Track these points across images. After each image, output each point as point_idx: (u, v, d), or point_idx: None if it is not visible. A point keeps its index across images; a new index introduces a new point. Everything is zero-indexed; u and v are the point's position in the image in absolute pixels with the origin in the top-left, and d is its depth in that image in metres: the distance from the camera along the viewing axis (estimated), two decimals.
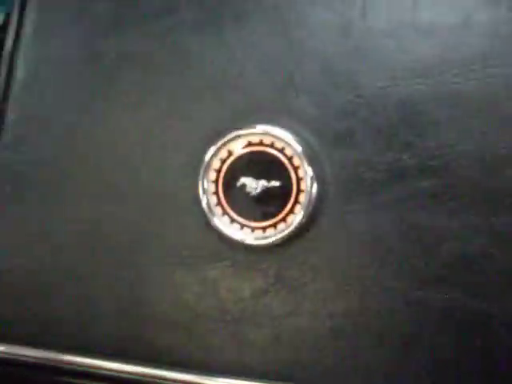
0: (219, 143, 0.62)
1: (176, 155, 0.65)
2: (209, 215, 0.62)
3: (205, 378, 0.60)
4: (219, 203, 0.61)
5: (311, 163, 0.59)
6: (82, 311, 0.68)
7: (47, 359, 0.67)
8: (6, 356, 0.69)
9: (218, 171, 0.62)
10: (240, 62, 0.64)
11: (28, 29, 0.76)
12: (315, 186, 0.58)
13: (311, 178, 0.58)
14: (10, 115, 0.74)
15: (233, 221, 0.61)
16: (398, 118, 0.57)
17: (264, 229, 0.60)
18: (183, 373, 0.62)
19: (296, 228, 0.59)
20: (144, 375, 0.63)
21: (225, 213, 0.61)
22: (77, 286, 0.68)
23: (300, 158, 0.59)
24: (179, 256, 0.64)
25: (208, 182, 0.62)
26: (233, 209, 0.61)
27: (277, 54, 0.63)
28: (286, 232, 0.59)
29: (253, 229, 0.60)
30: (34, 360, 0.68)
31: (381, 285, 0.56)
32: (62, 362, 0.66)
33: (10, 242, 0.72)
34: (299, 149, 0.59)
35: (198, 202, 0.62)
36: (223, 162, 0.62)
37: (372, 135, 0.58)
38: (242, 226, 0.60)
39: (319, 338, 0.59)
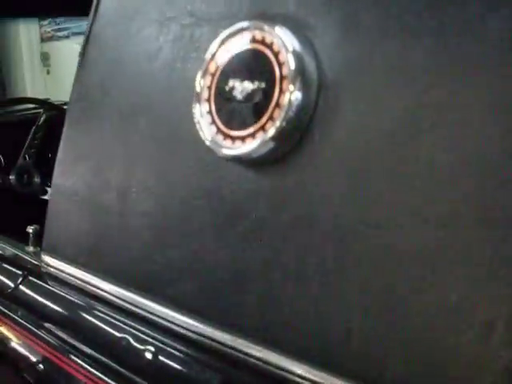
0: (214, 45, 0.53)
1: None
2: (198, 126, 0.53)
3: None
4: (210, 111, 0.53)
5: (298, 59, 0.47)
6: None
7: None
8: None
9: (213, 75, 0.53)
10: None
11: None
12: (299, 86, 0.47)
13: (294, 75, 0.47)
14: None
15: (218, 131, 0.52)
16: None
17: (243, 139, 0.50)
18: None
19: (274, 138, 0.48)
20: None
21: (213, 122, 0.52)
22: None
23: (286, 51, 0.48)
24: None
25: (204, 86, 0.54)
26: (220, 117, 0.52)
27: None
28: (263, 143, 0.48)
29: (233, 139, 0.50)
30: None
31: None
32: None
33: None
34: (289, 43, 0.48)
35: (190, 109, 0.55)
36: (218, 64, 0.53)
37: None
38: (225, 136, 0.51)
39: None
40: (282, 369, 0.48)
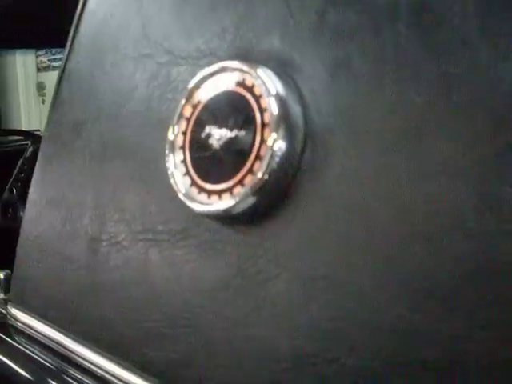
0: (190, 86, 0.48)
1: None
2: (171, 175, 0.48)
3: None
4: (184, 161, 0.47)
5: (282, 104, 0.42)
6: None
7: None
8: None
9: (188, 120, 0.47)
10: None
11: None
12: (283, 134, 0.41)
13: (277, 122, 0.41)
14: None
15: (192, 183, 0.46)
16: None
17: (219, 193, 0.44)
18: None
19: (255, 193, 0.42)
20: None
21: (187, 173, 0.47)
22: None
23: (268, 95, 0.42)
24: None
25: (178, 133, 0.48)
26: (195, 168, 0.46)
27: None
28: (242, 198, 0.43)
29: (209, 194, 0.45)
30: None
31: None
32: None
33: None
34: (271, 86, 0.42)
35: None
36: (194, 107, 0.47)
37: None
38: (200, 190, 0.45)
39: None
40: None
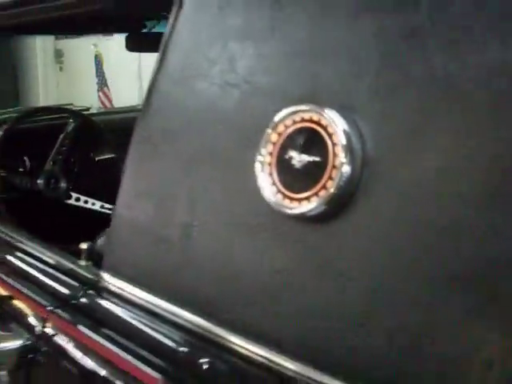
0: (276, 119, 0.65)
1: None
2: (260, 184, 0.66)
3: None
4: (271, 174, 0.65)
5: (348, 140, 0.59)
6: None
7: None
8: None
9: (274, 144, 0.65)
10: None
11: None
12: (348, 161, 0.59)
13: (345, 154, 0.59)
14: None
15: (278, 191, 0.64)
16: None
17: (299, 200, 0.62)
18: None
19: (327, 203, 0.60)
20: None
21: (273, 183, 0.65)
22: None
23: (339, 135, 0.60)
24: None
25: (266, 154, 0.66)
26: (281, 179, 0.64)
27: None
28: (317, 206, 0.60)
29: (291, 200, 0.63)
30: None
31: None
32: None
33: None
34: (340, 126, 0.60)
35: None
36: (279, 135, 0.65)
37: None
38: (284, 196, 0.63)
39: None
40: None
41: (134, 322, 0.82)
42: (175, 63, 0.85)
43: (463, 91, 0.55)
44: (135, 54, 3.91)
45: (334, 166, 0.60)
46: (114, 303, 0.87)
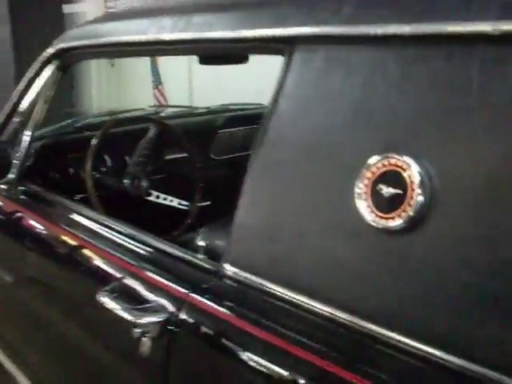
0: (370, 162, 0.95)
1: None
2: (357, 207, 0.96)
3: None
4: (365, 199, 0.95)
5: (422, 178, 0.89)
6: None
7: None
8: None
9: (369, 179, 0.95)
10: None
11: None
12: (422, 193, 0.89)
13: (420, 189, 0.89)
14: None
15: (371, 211, 0.94)
16: None
17: (387, 219, 0.92)
18: None
19: (406, 222, 0.90)
20: None
21: (368, 206, 0.95)
22: None
23: (414, 175, 0.89)
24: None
25: (361, 185, 0.96)
26: (374, 204, 0.94)
27: None
28: (400, 224, 0.91)
29: (381, 218, 0.93)
30: None
31: None
32: None
33: None
34: (415, 169, 0.90)
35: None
36: (372, 174, 0.95)
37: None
38: (377, 216, 0.93)
39: None
40: None
41: (260, 303, 1.12)
42: (286, 107, 1.14)
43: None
44: None
45: (411, 196, 0.90)
46: (238, 288, 1.17)
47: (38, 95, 2.12)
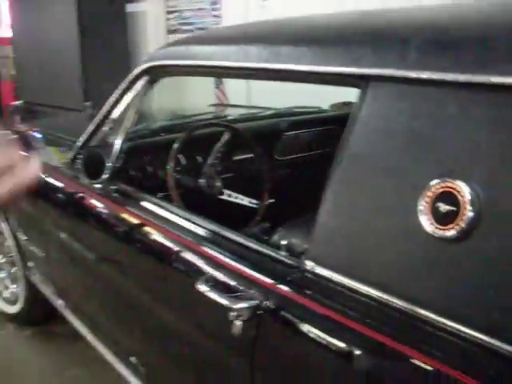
0: (431, 183, 1.20)
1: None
2: (420, 219, 1.21)
3: None
4: (426, 214, 1.20)
5: (472, 198, 1.13)
6: None
7: None
8: None
9: (430, 197, 1.20)
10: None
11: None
12: (472, 210, 1.13)
13: (471, 207, 1.13)
14: None
15: (431, 224, 1.19)
16: None
17: (444, 230, 1.17)
18: None
19: (459, 233, 1.15)
20: None
21: (428, 219, 1.19)
22: None
23: (466, 195, 1.14)
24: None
25: (423, 202, 1.21)
26: (433, 217, 1.19)
27: None
28: (454, 234, 1.15)
29: (439, 229, 1.17)
30: None
31: None
32: None
33: None
34: (466, 191, 1.14)
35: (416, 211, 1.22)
36: (433, 193, 1.19)
37: None
38: (436, 227, 1.18)
39: None
40: None
41: (336, 293, 1.38)
42: (362, 130, 1.38)
43: None
44: None
45: (463, 213, 1.14)
46: (317, 280, 1.43)
47: (129, 105, 2.40)
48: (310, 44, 1.61)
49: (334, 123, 3.39)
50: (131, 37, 7.63)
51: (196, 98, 6.06)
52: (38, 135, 3.30)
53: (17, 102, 8.41)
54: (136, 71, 2.33)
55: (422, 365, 1.16)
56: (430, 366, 1.15)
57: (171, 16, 7.52)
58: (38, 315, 3.72)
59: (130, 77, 2.36)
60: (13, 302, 3.77)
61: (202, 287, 1.62)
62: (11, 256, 3.67)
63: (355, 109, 1.41)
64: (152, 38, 7.58)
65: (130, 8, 7.53)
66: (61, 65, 7.40)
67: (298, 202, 2.48)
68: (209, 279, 1.66)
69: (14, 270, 3.76)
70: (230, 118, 3.35)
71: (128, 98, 2.39)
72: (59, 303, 3.02)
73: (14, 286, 3.80)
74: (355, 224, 1.38)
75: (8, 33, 8.81)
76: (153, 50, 2.37)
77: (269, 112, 3.51)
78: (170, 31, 7.58)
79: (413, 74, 1.28)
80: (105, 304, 2.55)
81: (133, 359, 2.33)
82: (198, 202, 2.55)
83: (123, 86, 2.40)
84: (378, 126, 1.36)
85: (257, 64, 1.72)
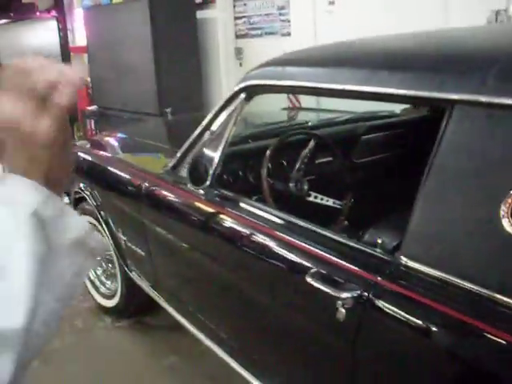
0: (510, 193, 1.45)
1: None
2: (502, 222, 1.47)
3: None
4: (507, 217, 1.45)
5: None
6: None
7: None
8: None
9: (510, 203, 1.46)
10: None
11: None
12: None
13: None
14: None
15: (511, 226, 1.44)
16: None
17: None
18: None
19: None
20: None
21: (509, 221, 1.45)
22: None
23: None
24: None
25: (505, 208, 1.46)
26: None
27: None
28: None
29: None
30: None
31: None
32: None
33: None
34: None
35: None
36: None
37: None
38: None
39: None
40: None
41: (427, 283, 1.64)
42: (450, 145, 1.64)
43: None
44: None
45: None
46: (412, 273, 1.69)
47: (227, 119, 2.69)
48: (401, 70, 1.88)
49: (405, 127, 3.64)
50: (201, 41, 7.97)
51: (269, 100, 6.32)
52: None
53: (91, 107, 8.86)
54: (235, 89, 2.62)
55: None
56: None
57: (240, 21, 7.84)
58: (133, 308, 4.06)
59: (229, 94, 2.65)
60: (110, 297, 4.12)
61: (311, 280, 1.90)
62: (108, 254, 4.01)
63: (443, 127, 1.67)
64: (221, 42, 7.91)
65: (200, 15, 7.88)
66: (134, 70, 7.76)
67: (376, 201, 2.77)
68: (315, 273, 1.94)
69: (110, 266, 4.12)
70: (310, 124, 3.62)
71: (226, 112, 2.68)
72: (160, 297, 3.34)
73: (109, 281, 4.18)
74: (445, 226, 1.64)
75: (83, 42, 9.23)
76: (249, 70, 2.64)
77: (346, 117, 3.77)
78: (239, 36, 7.91)
79: (492, 99, 1.54)
80: (212, 298, 2.85)
81: (233, 343, 2.64)
82: (288, 203, 2.83)
83: (222, 101, 2.69)
84: (464, 143, 1.62)
85: (351, 86, 1.99)
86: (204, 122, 2.81)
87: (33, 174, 0.77)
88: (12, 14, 10.16)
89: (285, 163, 3.14)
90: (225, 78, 8.04)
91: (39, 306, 0.75)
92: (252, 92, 2.58)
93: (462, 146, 1.62)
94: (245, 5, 7.71)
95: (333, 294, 1.81)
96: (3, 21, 10.52)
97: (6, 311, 0.72)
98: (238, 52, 7.91)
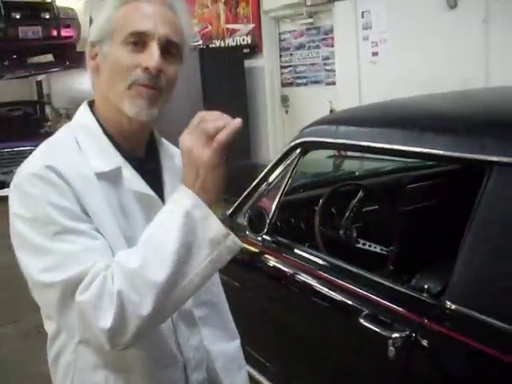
0: None
1: None
2: None
3: None
4: None
5: None
6: None
7: None
8: None
9: None
10: None
11: None
12: None
13: None
14: None
15: None
16: None
17: None
18: None
19: None
20: None
21: None
22: None
23: None
24: None
25: None
26: None
27: None
28: None
29: None
30: None
31: None
32: None
33: None
34: None
35: None
36: None
37: None
38: None
39: None
40: None
41: (472, 326, 1.84)
42: (490, 201, 1.86)
43: None
44: None
45: None
46: (456, 317, 1.89)
47: (283, 172, 2.93)
48: (445, 132, 2.10)
49: (446, 176, 3.85)
50: (249, 89, 8.32)
51: None
52: None
53: None
54: (291, 144, 2.87)
55: None
56: None
57: (286, 70, 8.17)
58: None
59: (285, 149, 2.90)
60: None
61: (364, 321, 2.12)
62: None
63: (482, 187, 1.88)
64: (268, 90, 8.23)
65: (248, 64, 8.23)
66: (184, 118, 8.05)
67: (419, 248, 2.97)
68: (367, 315, 2.15)
69: None
70: (357, 174, 3.85)
71: (283, 165, 2.92)
72: None
73: None
74: (488, 273, 1.85)
75: None
76: (304, 127, 2.88)
77: (391, 167, 3.99)
78: (285, 84, 8.23)
79: None
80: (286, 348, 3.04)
81: None
82: (338, 250, 3.04)
83: (279, 156, 2.94)
84: (503, 199, 1.84)
85: (400, 146, 2.22)
86: (262, 174, 3.05)
87: (193, 185, 1.18)
88: (68, 63, 10.66)
89: (334, 212, 3.35)
90: (271, 124, 8.34)
91: (182, 275, 1.16)
92: (307, 148, 2.82)
93: (501, 201, 1.83)
94: (291, 55, 8.05)
95: (384, 333, 2.02)
96: (58, 68, 11.03)
97: (154, 268, 1.15)
98: (284, 99, 8.23)
